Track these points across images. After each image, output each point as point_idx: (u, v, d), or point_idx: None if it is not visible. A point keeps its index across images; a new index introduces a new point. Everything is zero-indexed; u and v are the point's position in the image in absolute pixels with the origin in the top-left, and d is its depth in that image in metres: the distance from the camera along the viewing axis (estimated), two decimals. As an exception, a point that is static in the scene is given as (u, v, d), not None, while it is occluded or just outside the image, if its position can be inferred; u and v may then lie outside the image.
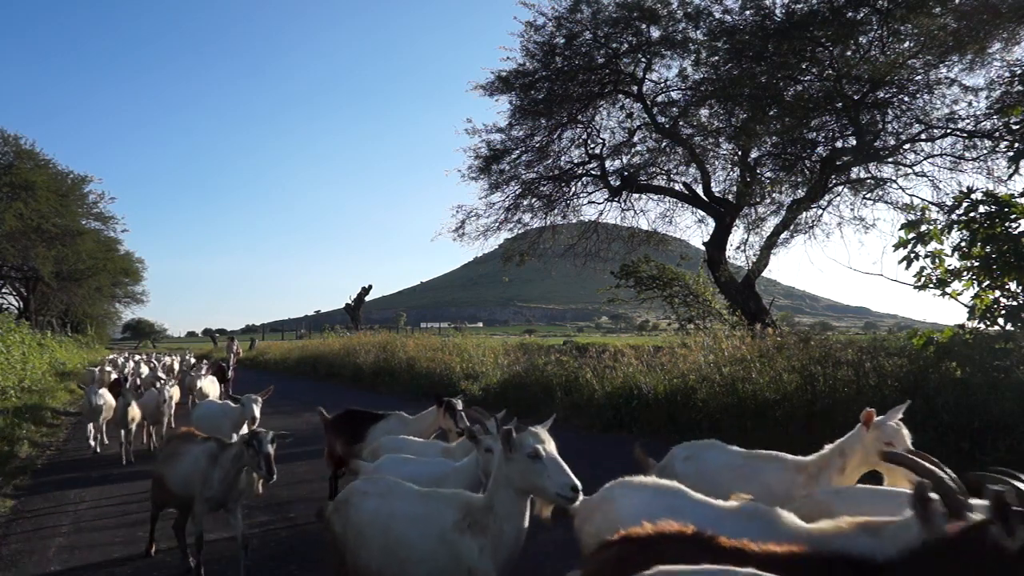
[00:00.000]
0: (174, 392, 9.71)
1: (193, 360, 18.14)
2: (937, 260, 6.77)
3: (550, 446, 2.50)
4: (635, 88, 15.33)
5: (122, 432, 8.34)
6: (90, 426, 8.82)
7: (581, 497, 2.46)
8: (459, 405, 5.16)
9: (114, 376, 12.76)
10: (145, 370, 15.22)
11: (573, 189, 16.75)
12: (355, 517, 2.82)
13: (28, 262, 29.13)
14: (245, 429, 6.07)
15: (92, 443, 8.79)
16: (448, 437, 5.17)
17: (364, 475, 3.46)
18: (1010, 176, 7.90)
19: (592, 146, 16.45)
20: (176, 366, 16.99)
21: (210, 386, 10.98)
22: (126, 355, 22.54)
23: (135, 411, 8.36)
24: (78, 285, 34.89)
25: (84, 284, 35.28)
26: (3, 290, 36.16)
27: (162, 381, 9.58)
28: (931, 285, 6.82)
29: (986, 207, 6.38)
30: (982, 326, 6.51)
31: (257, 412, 6.04)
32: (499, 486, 2.59)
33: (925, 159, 13.19)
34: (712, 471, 3.49)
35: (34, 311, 33.73)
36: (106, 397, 8.82)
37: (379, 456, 4.35)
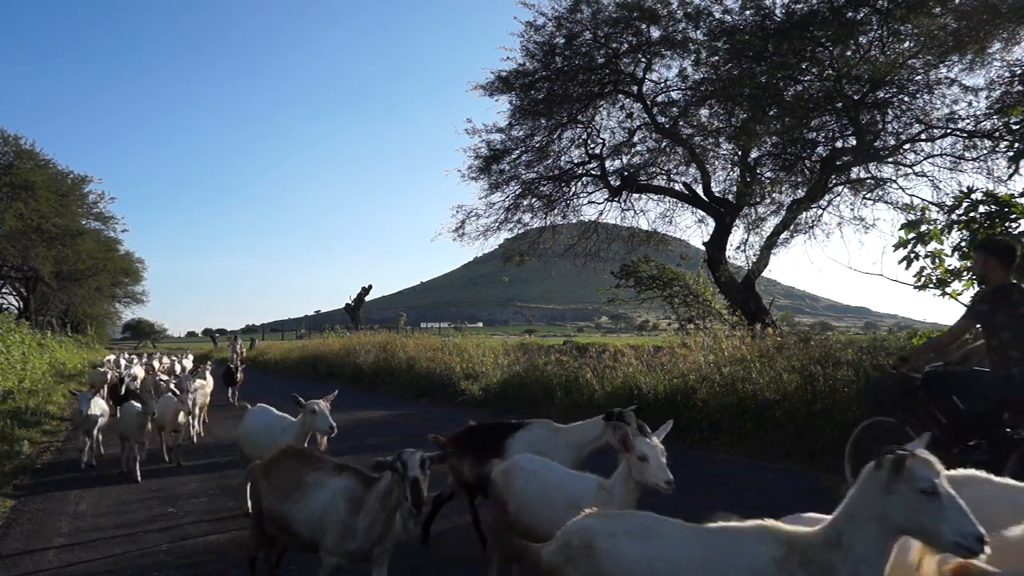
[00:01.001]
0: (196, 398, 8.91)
1: (190, 364, 17.23)
2: (937, 260, 6.78)
3: (945, 480, 2.01)
4: (635, 88, 15.33)
5: (135, 445, 7.25)
6: (84, 438, 7.77)
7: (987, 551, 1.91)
8: (634, 420, 4.09)
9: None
10: (140, 372, 13.90)
11: (573, 189, 16.76)
12: (613, 566, 2.27)
13: (28, 262, 29.15)
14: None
15: (85, 457, 7.73)
16: (617, 460, 4.46)
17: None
18: (1010, 176, 7.92)
19: (592, 146, 16.45)
20: (177, 368, 16.56)
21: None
22: (126, 355, 22.47)
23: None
24: (78, 285, 34.91)
25: (84, 284, 35.31)
26: (3, 290, 36.21)
27: (164, 382, 9.40)
28: (931, 285, 6.83)
29: (986, 207, 6.40)
30: (982, 326, 6.51)
31: (332, 422, 4.86)
32: (861, 519, 2.05)
33: (925, 159, 13.19)
34: (980, 511, 2.41)
35: (34, 311, 33.72)
36: (101, 405, 7.85)
37: (512, 477, 3.46)
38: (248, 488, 5.31)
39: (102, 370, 12.55)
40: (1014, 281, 4.42)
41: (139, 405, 7.20)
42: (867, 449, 5.16)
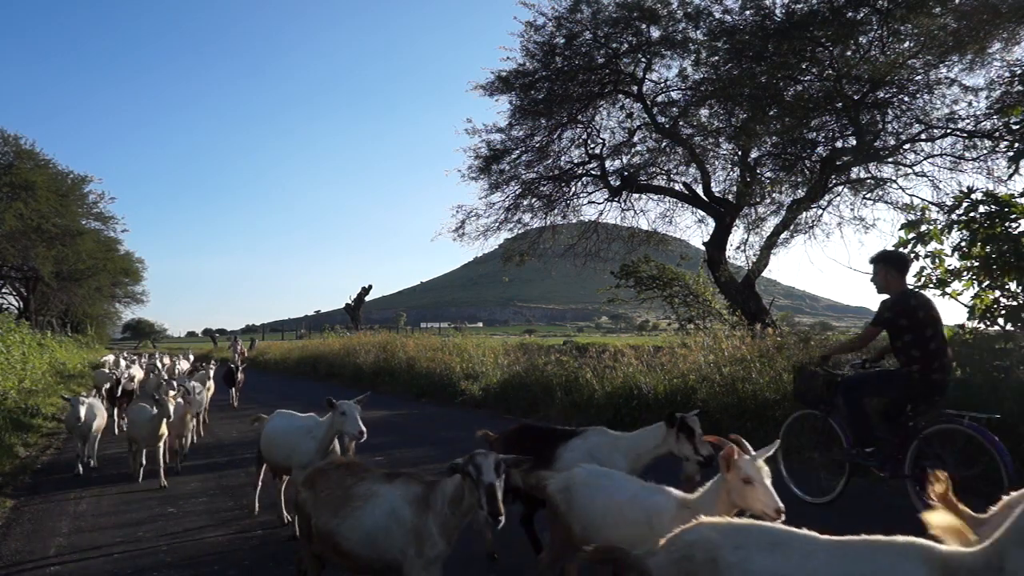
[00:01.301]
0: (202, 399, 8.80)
1: (186, 365, 16.40)
2: (937, 260, 6.77)
3: None
4: (635, 88, 15.33)
5: (142, 451, 6.90)
6: (81, 444, 7.40)
7: None
8: (698, 426, 3.79)
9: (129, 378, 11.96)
10: (138, 372, 13.54)
11: (573, 189, 16.75)
12: None
13: (28, 262, 29.15)
14: (337, 449, 4.86)
15: (84, 459, 7.42)
16: (684, 471, 3.81)
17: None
18: (1010, 176, 7.91)
19: (592, 146, 16.45)
20: (177, 369, 16.19)
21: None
22: (125, 355, 22.38)
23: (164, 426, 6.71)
24: (78, 285, 34.91)
25: (84, 284, 35.30)
26: (3, 290, 36.19)
27: (167, 381, 9.23)
28: (931, 285, 6.82)
29: (986, 207, 6.38)
30: (982, 326, 6.51)
31: (363, 425, 4.46)
32: None
33: (925, 159, 13.19)
34: None
35: (34, 311, 33.72)
36: (99, 408, 7.59)
37: (574, 496, 3.15)
38: (288, 503, 5.08)
39: (106, 371, 12.20)
40: (910, 288, 5.07)
41: (153, 409, 6.72)
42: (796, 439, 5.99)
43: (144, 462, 7.00)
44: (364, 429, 4.44)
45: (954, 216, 6.62)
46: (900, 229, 6.95)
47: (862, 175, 14.11)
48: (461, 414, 11.82)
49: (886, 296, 4.95)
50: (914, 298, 4.87)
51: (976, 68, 12.07)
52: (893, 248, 6.00)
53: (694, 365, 9.21)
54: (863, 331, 5.34)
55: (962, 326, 6.63)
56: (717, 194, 15.27)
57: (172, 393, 7.60)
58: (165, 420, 6.60)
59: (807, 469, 5.67)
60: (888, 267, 4.96)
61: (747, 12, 13.46)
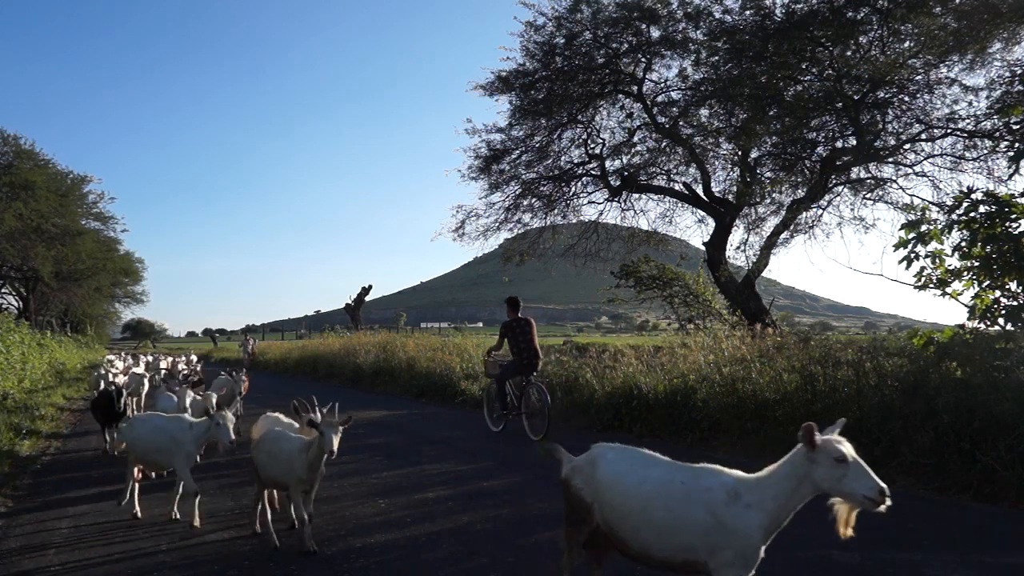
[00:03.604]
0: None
1: (181, 366, 14.72)
2: (937, 260, 6.78)
3: None
4: (635, 88, 15.33)
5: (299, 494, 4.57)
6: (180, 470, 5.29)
7: None
8: None
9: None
10: (121, 378, 12.71)
11: (573, 189, 16.77)
12: None
13: (28, 262, 29.16)
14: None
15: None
16: None
17: None
18: (1010, 176, 7.94)
19: (592, 146, 16.46)
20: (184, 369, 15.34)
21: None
22: (123, 355, 22.33)
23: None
24: (78, 285, 34.96)
25: (84, 284, 35.36)
26: (3, 290, 36.23)
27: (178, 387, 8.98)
28: (931, 285, 6.83)
29: (986, 207, 6.39)
30: (982, 326, 6.51)
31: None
32: None
33: (925, 159, 13.20)
34: None
35: (34, 311, 33.77)
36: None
37: None
38: None
39: (138, 371, 10.98)
40: (518, 316, 9.28)
41: (287, 434, 4.73)
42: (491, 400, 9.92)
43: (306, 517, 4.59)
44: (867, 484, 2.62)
45: (954, 216, 6.63)
46: (900, 229, 6.96)
47: (862, 175, 14.12)
48: (461, 414, 11.82)
49: (506, 319, 9.36)
50: (516, 321, 9.23)
51: (976, 68, 12.10)
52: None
53: (694, 365, 9.21)
54: (499, 339, 9.54)
55: (962, 326, 6.63)
56: (717, 194, 15.28)
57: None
58: (328, 453, 4.25)
59: (494, 414, 9.76)
60: (508, 306, 9.40)
61: (747, 12, 13.47)
